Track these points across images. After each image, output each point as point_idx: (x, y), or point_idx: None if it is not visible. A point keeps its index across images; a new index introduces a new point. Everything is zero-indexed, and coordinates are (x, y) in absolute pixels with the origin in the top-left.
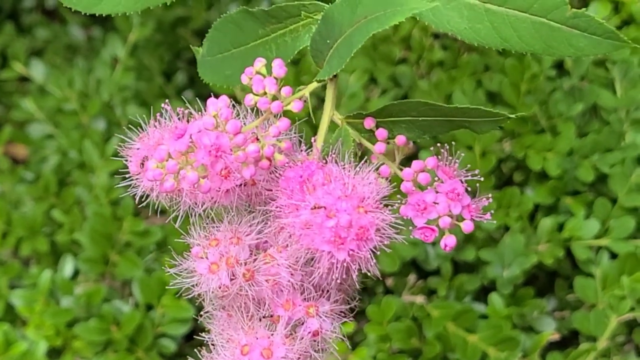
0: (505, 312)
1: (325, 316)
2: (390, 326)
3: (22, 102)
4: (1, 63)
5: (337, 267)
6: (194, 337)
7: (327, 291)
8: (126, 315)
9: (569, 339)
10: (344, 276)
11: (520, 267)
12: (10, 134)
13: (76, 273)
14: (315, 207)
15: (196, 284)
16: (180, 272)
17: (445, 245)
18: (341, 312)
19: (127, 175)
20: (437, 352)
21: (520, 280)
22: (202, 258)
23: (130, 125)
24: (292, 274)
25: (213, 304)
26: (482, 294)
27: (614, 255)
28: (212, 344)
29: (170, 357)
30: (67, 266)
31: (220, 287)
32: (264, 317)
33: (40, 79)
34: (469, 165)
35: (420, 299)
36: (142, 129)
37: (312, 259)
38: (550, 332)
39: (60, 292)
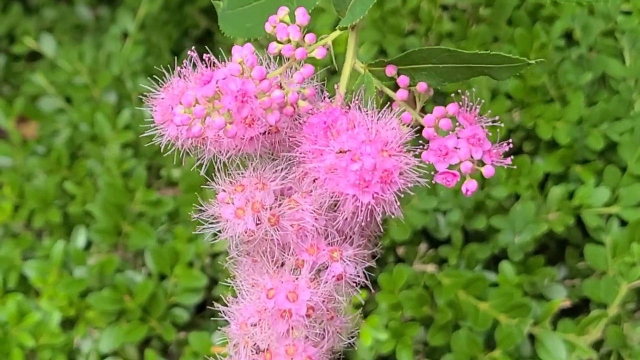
0: (516, 280)
1: (349, 260)
2: (401, 294)
3: (33, 76)
4: (8, 43)
5: (361, 211)
6: (206, 308)
7: (350, 236)
8: (139, 285)
9: (580, 307)
10: (368, 219)
11: (531, 233)
12: (21, 107)
13: (89, 244)
14: (339, 152)
15: (222, 229)
16: (207, 218)
17: (467, 190)
18: (364, 256)
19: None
20: (448, 320)
21: (531, 248)
22: (228, 203)
23: (155, 76)
24: (316, 219)
25: (238, 250)
26: (492, 263)
27: (624, 223)
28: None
29: (183, 326)
30: (80, 237)
31: (246, 232)
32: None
33: (50, 53)
34: (489, 111)
35: (431, 268)
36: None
37: (336, 204)
38: (561, 299)
39: (73, 263)
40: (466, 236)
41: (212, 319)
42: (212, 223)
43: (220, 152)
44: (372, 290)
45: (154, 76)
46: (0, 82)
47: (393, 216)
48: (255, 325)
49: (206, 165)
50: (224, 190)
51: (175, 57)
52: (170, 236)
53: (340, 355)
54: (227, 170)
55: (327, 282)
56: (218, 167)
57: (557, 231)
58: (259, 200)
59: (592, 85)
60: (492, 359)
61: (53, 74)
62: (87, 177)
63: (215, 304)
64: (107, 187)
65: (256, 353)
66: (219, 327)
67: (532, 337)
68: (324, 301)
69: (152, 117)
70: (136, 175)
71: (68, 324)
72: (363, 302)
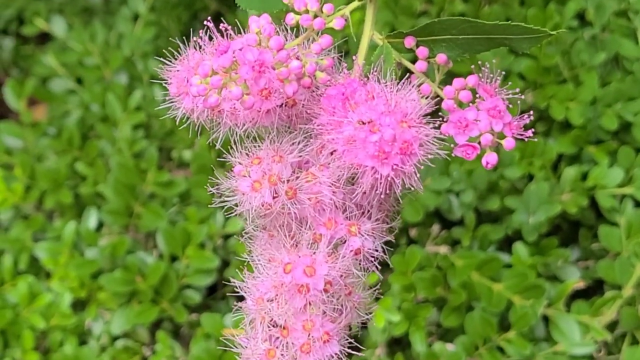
0: (530, 261)
1: (367, 235)
2: (414, 275)
3: (44, 57)
4: (18, 26)
5: (380, 183)
6: (217, 290)
7: (369, 210)
8: (150, 267)
9: (594, 289)
10: (387, 192)
11: (545, 213)
12: (32, 88)
13: (100, 225)
14: (358, 123)
15: (239, 203)
16: (223, 191)
17: (487, 163)
18: (382, 231)
19: (167, 98)
20: (462, 301)
21: (545, 229)
22: (244, 176)
23: (164, 58)
24: (334, 192)
25: (254, 225)
26: (505, 245)
27: (638, 204)
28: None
29: (194, 308)
30: (91, 218)
31: (262, 205)
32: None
33: (61, 34)
34: (510, 83)
35: (444, 249)
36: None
37: (354, 177)
38: (575, 280)
39: (85, 244)
40: (479, 217)
41: (226, 297)
42: (228, 196)
43: (237, 125)
44: (381, 276)
45: (170, 49)
46: (9, 65)
47: (413, 189)
48: (272, 300)
49: (222, 139)
50: (241, 163)
51: (185, 39)
52: (182, 217)
53: (358, 332)
54: (244, 143)
55: (345, 256)
56: (234, 140)
57: (571, 212)
58: (276, 173)
59: (605, 66)
60: (506, 340)
61: (64, 55)
62: (99, 158)
63: (232, 279)
64: (118, 168)
65: (273, 328)
66: (234, 304)
67: (546, 319)
68: (341, 276)
69: (166, 93)
70: (148, 156)
71: (79, 305)
72: (381, 277)
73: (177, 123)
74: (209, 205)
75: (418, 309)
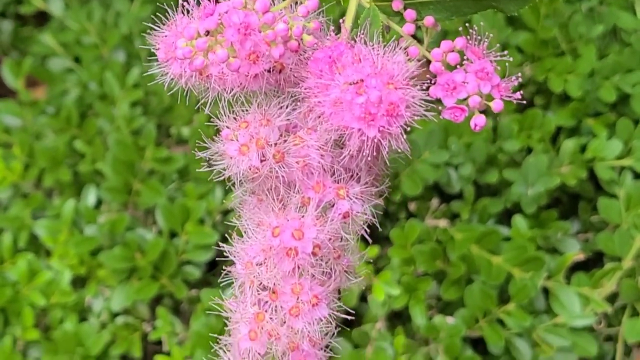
0: (529, 234)
1: (356, 198)
2: (414, 249)
3: (42, 36)
4: (15, 6)
5: (367, 145)
6: (216, 266)
7: (357, 174)
8: (150, 243)
9: (594, 261)
10: (374, 154)
11: (544, 185)
12: (30, 67)
13: (99, 203)
14: (345, 85)
15: (226, 167)
16: (210, 155)
17: (475, 125)
18: (371, 194)
19: (156, 64)
20: (461, 274)
21: (544, 201)
22: (232, 140)
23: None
24: (322, 156)
25: (243, 189)
26: (505, 218)
27: (637, 175)
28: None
29: (194, 284)
30: (90, 196)
31: (250, 169)
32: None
33: (58, 13)
34: (497, 45)
35: (443, 223)
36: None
37: (342, 141)
38: (575, 252)
39: (84, 222)
40: (478, 190)
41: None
42: (216, 161)
43: (225, 89)
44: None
45: (158, 15)
46: (8, 47)
47: (400, 151)
48: (260, 264)
49: (210, 104)
50: (228, 127)
51: (173, 5)
52: (181, 194)
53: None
54: (232, 108)
55: (333, 220)
56: (222, 105)
57: (570, 184)
58: (263, 137)
59: (603, 38)
60: (506, 312)
61: (61, 35)
62: (97, 135)
63: (221, 244)
64: (117, 145)
65: (262, 292)
66: (223, 268)
67: (546, 291)
68: (330, 239)
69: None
70: (146, 132)
71: (79, 282)
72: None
73: (173, 98)
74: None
75: (418, 282)
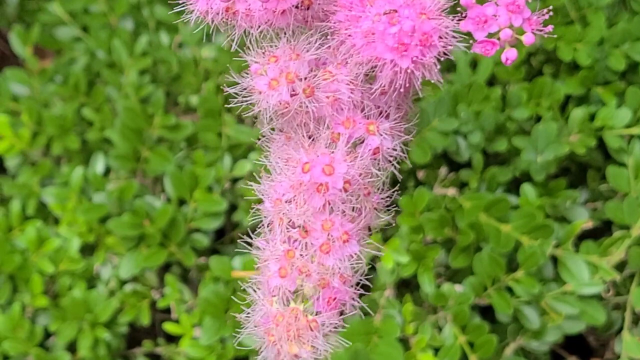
0: (538, 202)
1: (386, 134)
2: (423, 217)
3: (49, 5)
4: None
5: (400, 77)
6: (225, 234)
7: (386, 111)
8: (158, 210)
9: (602, 230)
10: (407, 86)
11: (554, 152)
12: (38, 35)
13: (107, 171)
14: (377, 16)
15: (256, 102)
16: (240, 91)
17: (507, 59)
18: (400, 130)
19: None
20: (470, 242)
21: (553, 169)
22: (261, 75)
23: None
24: (352, 91)
25: (271, 127)
26: (514, 187)
27: None
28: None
29: (203, 252)
30: (99, 164)
31: (280, 103)
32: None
33: None
34: None
35: (452, 192)
36: None
37: (372, 77)
38: (583, 220)
39: (92, 189)
40: (487, 159)
41: (235, 241)
42: (245, 97)
43: (252, 26)
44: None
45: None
46: (14, 19)
47: (433, 81)
48: (290, 201)
49: (237, 41)
50: (257, 62)
51: None
52: (189, 162)
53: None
54: (260, 44)
55: (363, 156)
56: (250, 41)
57: (579, 153)
58: (293, 71)
59: (613, 7)
60: (514, 280)
61: (69, 3)
62: (105, 103)
63: (249, 182)
64: (125, 112)
65: (292, 230)
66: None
67: (554, 260)
68: (360, 175)
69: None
70: (154, 100)
71: (87, 250)
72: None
73: (181, 66)
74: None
75: (426, 250)
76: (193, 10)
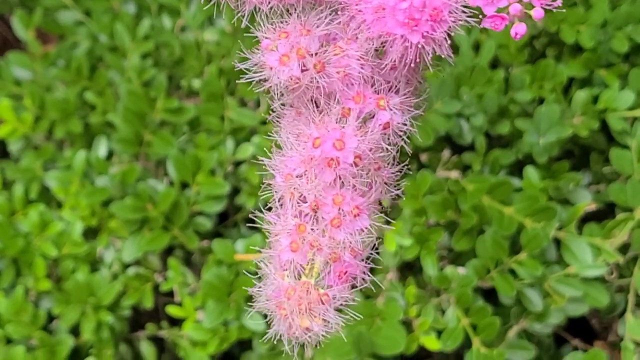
0: (541, 185)
1: (396, 109)
2: (425, 199)
3: None
4: None
5: (410, 52)
6: (227, 218)
7: (396, 85)
8: (161, 194)
9: (605, 212)
10: (417, 61)
11: (556, 134)
12: (40, 19)
13: (110, 155)
14: None
15: (267, 77)
16: (250, 67)
17: (516, 34)
18: (410, 105)
19: None
20: (473, 224)
21: (555, 151)
22: (272, 51)
23: None
24: (362, 66)
25: (282, 102)
26: (516, 170)
27: None
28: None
29: (205, 235)
30: (101, 147)
31: (291, 79)
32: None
33: None
34: None
35: (455, 174)
36: None
37: (382, 52)
38: (586, 202)
39: (95, 172)
40: (490, 142)
41: (237, 225)
42: (255, 72)
43: (262, 2)
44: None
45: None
46: (16, 4)
47: (443, 56)
48: (301, 176)
49: (247, 17)
50: (268, 38)
51: None
52: (192, 146)
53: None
54: (270, 20)
55: (374, 130)
56: (260, 17)
57: (582, 135)
58: (304, 47)
59: None
60: (517, 262)
61: None
62: (108, 87)
63: (260, 158)
64: (128, 95)
65: (302, 204)
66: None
67: (557, 242)
68: (370, 150)
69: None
70: (156, 84)
71: (90, 233)
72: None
73: (184, 50)
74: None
75: (429, 232)
76: None
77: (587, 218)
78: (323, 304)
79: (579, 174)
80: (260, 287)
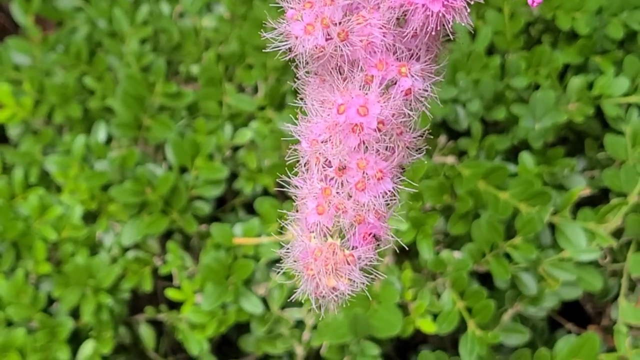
0: (536, 170)
1: (417, 75)
2: (422, 184)
3: None
4: None
5: (431, 20)
6: (226, 202)
7: (417, 53)
8: (160, 178)
9: (599, 198)
10: (438, 30)
11: (552, 120)
12: (39, 4)
13: (109, 139)
14: None
15: (292, 47)
16: (276, 36)
17: (533, 1)
18: (431, 72)
19: None
20: (469, 209)
21: (551, 137)
22: (297, 20)
23: None
24: (384, 35)
25: (306, 70)
26: (512, 156)
27: None
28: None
29: (204, 219)
30: (100, 132)
31: (316, 47)
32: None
33: None
34: None
35: (451, 160)
36: None
37: (404, 20)
38: (581, 187)
39: (94, 157)
40: (485, 128)
41: (235, 209)
42: (281, 42)
43: None
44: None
45: None
46: None
47: (463, 24)
48: (326, 141)
49: None
50: (293, 8)
51: None
52: (190, 131)
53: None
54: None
55: (396, 96)
56: None
57: (577, 121)
58: (328, 16)
59: None
60: (512, 246)
61: None
62: (107, 72)
63: (285, 124)
64: (127, 79)
65: (328, 168)
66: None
67: (552, 227)
68: (393, 115)
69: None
70: (155, 67)
71: (90, 217)
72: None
73: (182, 35)
74: (264, 50)
75: (425, 217)
76: None
77: (582, 203)
78: (349, 264)
79: (574, 159)
80: (287, 249)
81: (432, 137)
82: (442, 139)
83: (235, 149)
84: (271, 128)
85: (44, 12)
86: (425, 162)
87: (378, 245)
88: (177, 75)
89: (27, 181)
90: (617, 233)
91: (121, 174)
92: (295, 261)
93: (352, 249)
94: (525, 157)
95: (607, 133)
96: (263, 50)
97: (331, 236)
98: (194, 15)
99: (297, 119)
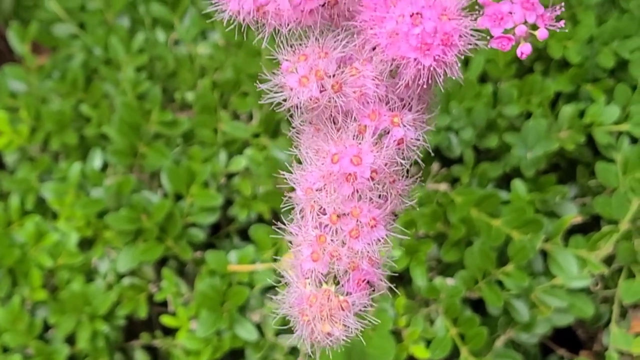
0: (528, 198)
1: (409, 125)
2: (415, 211)
3: (46, 2)
4: None
5: (422, 74)
6: (220, 229)
7: (409, 103)
8: (155, 205)
9: (591, 225)
10: (430, 82)
11: (543, 148)
12: (36, 32)
13: (105, 166)
14: (401, 17)
15: (287, 98)
16: (271, 88)
17: (522, 53)
18: (423, 121)
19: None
20: (461, 236)
21: (543, 165)
22: (292, 72)
23: None
24: (377, 86)
25: (301, 120)
26: (504, 183)
27: (634, 140)
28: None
29: (199, 246)
30: (96, 159)
31: (310, 99)
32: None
33: None
34: None
35: (444, 187)
36: None
37: (396, 72)
38: (572, 214)
39: (90, 184)
40: (478, 155)
41: (230, 236)
42: (276, 93)
43: (281, 25)
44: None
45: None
46: (10, 16)
47: (454, 78)
48: (320, 190)
49: (267, 39)
50: (288, 60)
51: None
52: (186, 158)
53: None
54: (288, 42)
55: (388, 146)
56: (280, 40)
57: (568, 149)
58: (322, 69)
59: (602, 5)
60: (505, 273)
61: (66, 0)
62: (103, 99)
63: (281, 172)
64: (123, 107)
65: (322, 216)
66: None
67: (544, 254)
68: (386, 164)
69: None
70: (151, 96)
71: (85, 244)
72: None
73: (178, 63)
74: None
75: (419, 244)
76: (224, 10)
77: (573, 230)
78: (343, 310)
79: (565, 187)
80: (283, 295)
81: (425, 164)
82: (435, 166)
83: (230, 176)
84: (266, 155)
85: (40, 39)
86: (419, 188)
87: (372, 290)
88: (173, 103)
89: (23, 208)
90: (609, 260)
91: (117, 201)
92: (290, 307)
93: (347, 295)
94: (518, 184)
95: (598, 160)
96: (257, 80)
97: (326, 282)
98: (189, 42)
99: (291, 146)
